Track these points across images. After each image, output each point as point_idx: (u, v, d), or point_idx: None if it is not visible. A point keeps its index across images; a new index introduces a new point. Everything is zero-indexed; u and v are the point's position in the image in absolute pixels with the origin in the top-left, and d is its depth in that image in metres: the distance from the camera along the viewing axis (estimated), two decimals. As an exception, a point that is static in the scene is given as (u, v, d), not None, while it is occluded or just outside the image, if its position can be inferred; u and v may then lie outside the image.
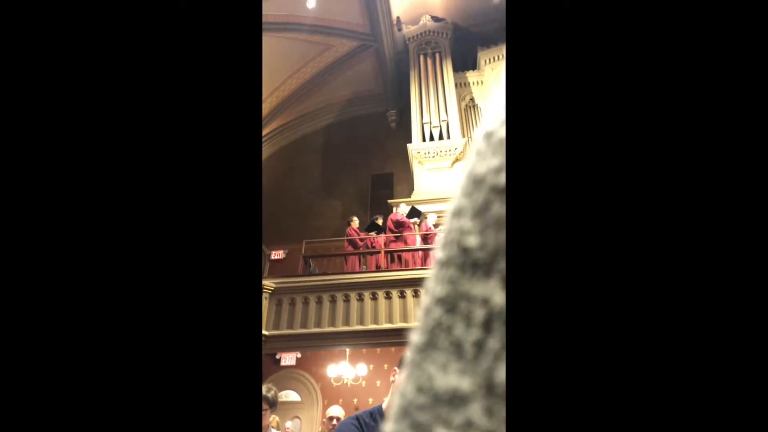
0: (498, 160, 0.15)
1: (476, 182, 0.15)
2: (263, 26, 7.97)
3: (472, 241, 0.14)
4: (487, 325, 0.13)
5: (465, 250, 0.14)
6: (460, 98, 8.73)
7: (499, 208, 0.14)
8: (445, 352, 0.14)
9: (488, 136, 0.16)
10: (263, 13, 7.58)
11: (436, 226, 6.41)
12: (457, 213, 0.16)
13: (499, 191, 0.14)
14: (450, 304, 0.14)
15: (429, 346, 0.15)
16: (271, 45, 8.35)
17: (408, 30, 9.24)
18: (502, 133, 0.15)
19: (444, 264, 0.15)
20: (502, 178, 0.15)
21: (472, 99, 8.85)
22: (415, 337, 0.15)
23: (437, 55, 8.99)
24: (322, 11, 8.37)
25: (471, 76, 9.02)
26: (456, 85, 8.75)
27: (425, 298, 0.16)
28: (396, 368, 1.28)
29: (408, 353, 0.16)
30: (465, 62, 9.25)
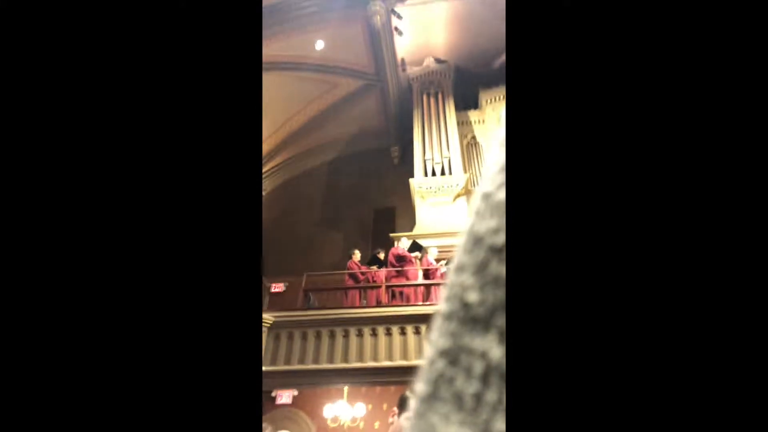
0: (496, 221, 0.16)
1: (476, 240, 0.16)
2: (272, 66, 8.26)
3: (473, 296, 0.15)
4: (485, 378, 0.14)
5: (466, 305, 0.15)
6: (462, 136, 8.92)
7: (497, 267, 0.15)
8: (448, 403, 0.14)
9: (486, 197, 0.17)
10: (272, 53, 7.93)
11: (437, 260, 6.37)
12: (459, 269, 0.16)
13: (498, 250, 0.15)
14: (452, 356, 0.15)
15: (432, 396, 0.15)
16: (278, 83, 8.67)
17: (412, 70, 9.58)
18: (501, 195, 0.16)
19: (447, 317, 0.16)
20: (500, 239, 0.15)
21: (473, 137, 9.04)
22: (419, 387, 0.16)
23: (440, 95, 9.27)
24: (329, 52, 8.74)
25: (473, 115, 9.26)
26: (458, 123, 8.97)
27: (429, 349, 0.17)
28: (395, 409, 1.24)
29: (412, 402, 0.16)
30: (467, 102, 9.52)
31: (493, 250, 0.15)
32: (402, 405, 1.23)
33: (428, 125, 8.84)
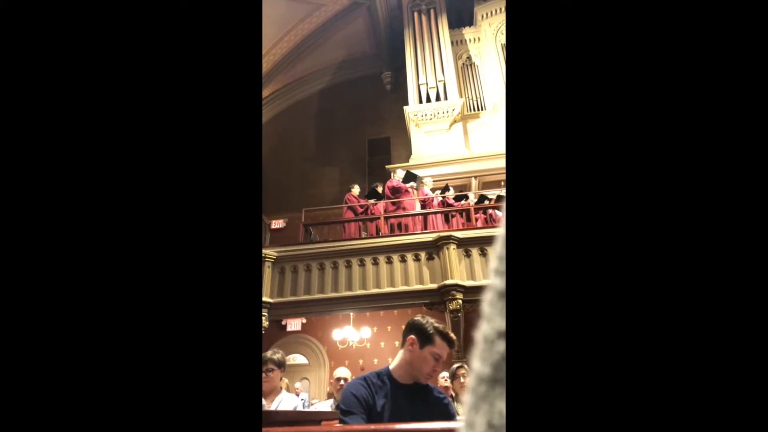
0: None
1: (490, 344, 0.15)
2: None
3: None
4: None
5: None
6: (456, 57, 8.45)
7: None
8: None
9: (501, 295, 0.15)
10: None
11: (432, 190, 6.39)
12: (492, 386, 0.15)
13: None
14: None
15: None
16: (258, 6, 7.97)
17: (401, -16, 8.81)
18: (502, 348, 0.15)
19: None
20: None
21: (469, 57, 8.57)
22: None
23: (432, 12, 8.62)
24: (309, -33, 7.93)
25: (467, 32, 8.69)
26: (453, 43, 8.45)
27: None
28: (413, 336, 1.30)
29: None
30: (461, 18, 8.89)
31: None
32: (419, 334, 1.28)
33: (420, 47, 8.33)
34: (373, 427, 1.06)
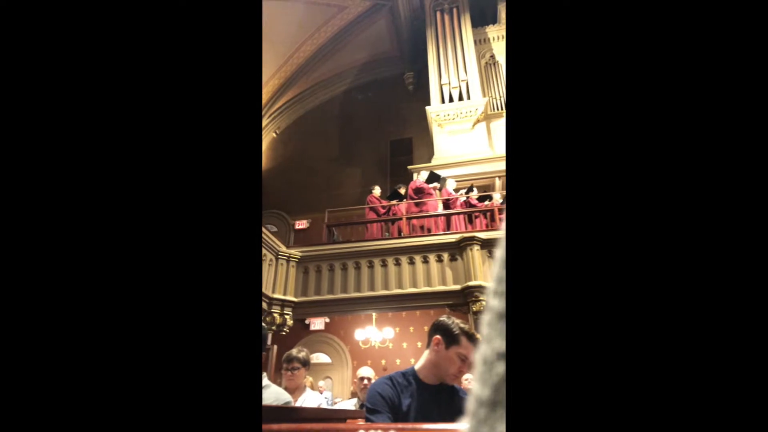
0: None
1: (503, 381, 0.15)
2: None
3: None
4: None
5: None
6: (479, 56, 8.36)
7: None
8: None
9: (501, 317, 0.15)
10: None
11: (456, 190, 6.33)
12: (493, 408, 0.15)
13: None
14: None
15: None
16: (283, 10, 8.11)
17: (423, -16, 8.78)
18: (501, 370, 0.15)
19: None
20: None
21: (492, 56, 8.46)
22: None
23: (455, 10, 8.54)
24: (332, -30, 8.01)
25: (491, 31, 8.58)
26: (475, 41, 8.36)
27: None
28: (438, 336, 1.30)
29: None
30: (484, 16, 8.79)
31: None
32: (445, 334, 1.28)
33: (443, 46, 8.27)
34: (400, 425, 1.06)
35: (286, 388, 1.92)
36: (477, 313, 4.80)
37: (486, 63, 8.44)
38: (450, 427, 0.95)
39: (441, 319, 1.35)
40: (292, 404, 1.79)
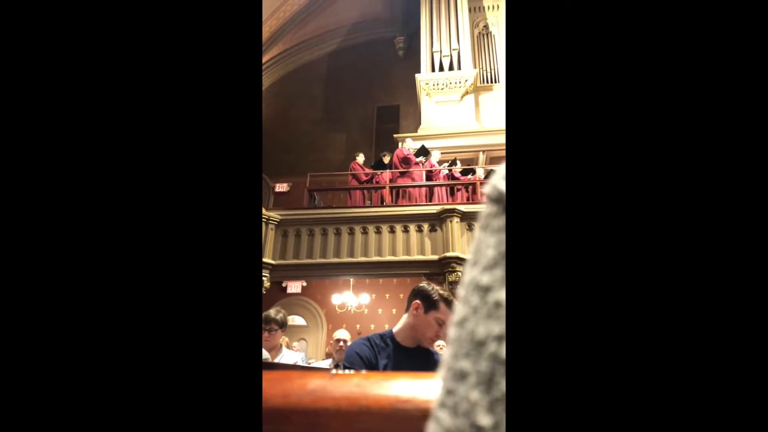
0: (498, 327, 0.14)
1: (476, 344, 0.15)
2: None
3: (485, 420, 0.14)
4: None
5: (478, 428, 0.14)
6: (473, 24, 8.15)
7: (502, 382, 0.14)
8: None
9: (483, 291, 0.15)
10: None
11: (440, 162, 6.33)
12: (460, 376, 0.15)
13: (502, 362, 0.14)
14: None
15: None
16: (270, -43, 7.63)
17: (420, -57, 8.37)
18: (501, 296, 0.15)
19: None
20: (503, 350, 0.14)
21: (486, 26, 8.27)
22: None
23: (451, -26, 8.24)
24: None
25: (487, -1, 8.34)
26: (470, 9, 8.12)
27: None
28: (418, 301, 1.33)
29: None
30: (481, -17, 8.51)
31: (498, 361, 0.14)
32: (425, 299, 1.31)
33: (437, 11, 8.02)
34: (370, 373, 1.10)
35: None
36: (453, 283, 4.93)
37: (479, 33, 8.25)
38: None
39: (421, 284, 1.37)
40: (270, 361, 1.82)
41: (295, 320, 7.21)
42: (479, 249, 0.16)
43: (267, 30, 9.03)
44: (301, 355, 3.72)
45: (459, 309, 0.16)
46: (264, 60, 9.54)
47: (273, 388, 0.29)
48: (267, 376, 0.32)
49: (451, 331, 0.16)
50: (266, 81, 9.82)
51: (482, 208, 0.18)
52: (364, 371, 0.31)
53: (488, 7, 8.31)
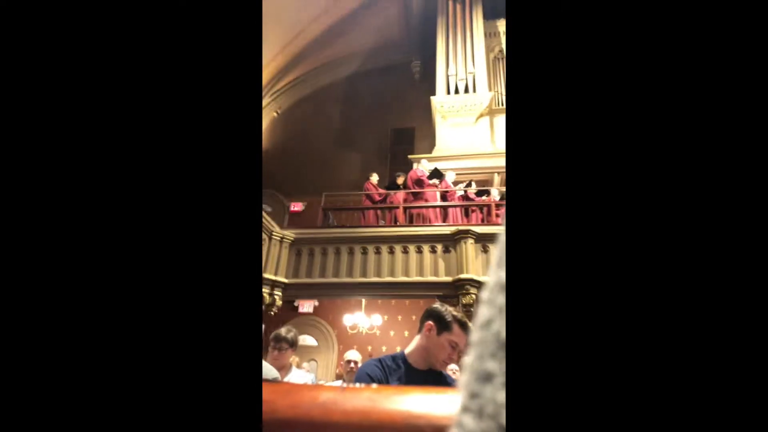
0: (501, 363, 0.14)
1: (503, 345, 0.15)
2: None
3: None
4: None
5: (503, 429, 0.14)
6: (488, 49, 8.28)
7: None
8: None
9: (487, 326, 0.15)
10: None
11: (455, 183, 6.32)
12: (486, 378, 0.15)
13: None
14: None
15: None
16: (292, -14, 7.96)
17: (437, -28, 8.63)
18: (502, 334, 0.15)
19: None
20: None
21: (501, 50, 8.38)
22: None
23: (467, 1, 8.43)
24: (346, -51, 7.85)
25: (502, 25, 8.48)
26: (486, 34, 8.27)
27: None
28: (430, 322, 1.30)
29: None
30: (496, 9, 8.68)
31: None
32: (438, 321, 1.28)
33: (453, 37, 8.18)
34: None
35: (272, 366, 1.93)
36: (467, 306, 4.84)
37: (495, 57, 8.37)
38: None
39: (434, 305, 1.34)
40: (280, 381, 1.79)
41: (306, 340, 7.14)
42: (504, 251, 0.16)
43: (287, 55, 9.33)
44: (311, 376, 3.67)
45: (483, 312, 0.16)
46: (283, 83, 9.82)
47: (282, 399, 0.28)
48: (276, 388, 0.31)
49: (475, 335, 0.16)
50: (284, 103, 10.08)
51: (498, 228, 0.17)
52: (374, 385, 0.29)
53: (503, 32, 8.44)
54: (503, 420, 0.13)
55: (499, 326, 0.15)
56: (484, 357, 0.15)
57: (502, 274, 0.15)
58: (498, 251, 0.16)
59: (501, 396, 0.14)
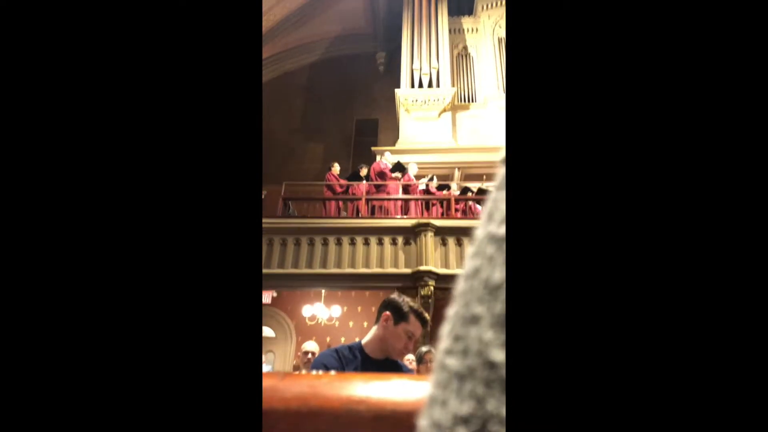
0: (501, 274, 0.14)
1: (492, 290, 0.14)
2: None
3: (500, 356, 0.13)
4: None
5: (491, 365, 0.13)
6: (452, 45, 8.38)
7: None
8: None
9: (499, 241, 0.15)
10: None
11: (417, 177, 6.40)
12: (472, 320, 0.14)
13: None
14: (477, 424, 0.13)
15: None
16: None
17: (404, -36, 8.60)
18: (501, 281, 0.15)
19: (463, 376, 0.14)
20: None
21: (465, 47, 8.52)
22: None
23: (433, -4, 8.48)
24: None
25: (466, 22, 8.61)
26: (450, 31, 8.36)
27: (442, 413, 0.14)
28: (387, 312, 1.31)
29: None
30: (461, 6, 8.79)
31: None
32: (395, 311, 1.29)
33: (418, 31, 8.20)
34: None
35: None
36: (425, 297, 4.93)
37: (458, 53, 8.49)
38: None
39: (392, 296, 1.36)
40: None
41: (263, 331, 7.01)
42: (495, 206, 0.16)
43: (248, 37, 8.97)
44: (267, 367, 3.62)
45: (470, 263, 0.16)
46: (244, 67, 9.45)
47: (222, 388, 0.28)
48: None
49: (460, 286, 0.16)
50: (245, 88, 9.73)
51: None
52: (317, 372, 0.29)
53: (467, 30, 8.58)
54: (490, 355, 0.13)
55: (488, 273, 0.15)
56: (470, 303, 0.15)
57: (492, 227, 0.16)
58: (487, 208, 0.16)
59: (487, 334, 0.14)
